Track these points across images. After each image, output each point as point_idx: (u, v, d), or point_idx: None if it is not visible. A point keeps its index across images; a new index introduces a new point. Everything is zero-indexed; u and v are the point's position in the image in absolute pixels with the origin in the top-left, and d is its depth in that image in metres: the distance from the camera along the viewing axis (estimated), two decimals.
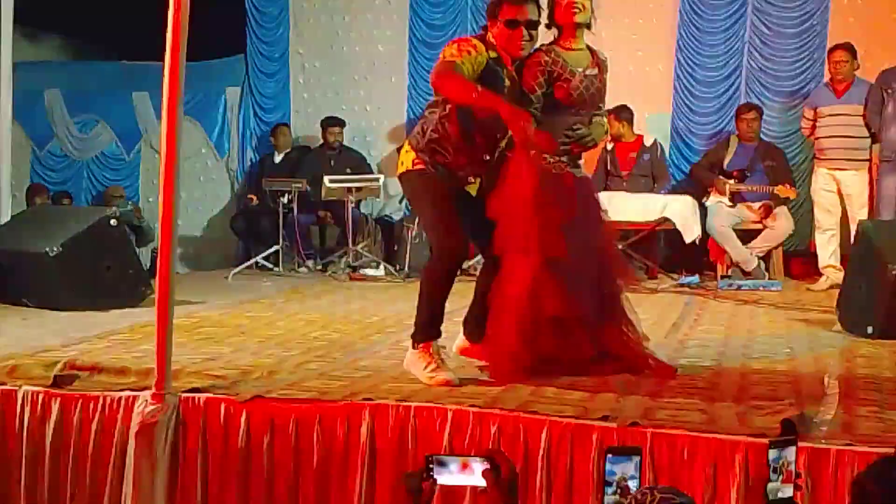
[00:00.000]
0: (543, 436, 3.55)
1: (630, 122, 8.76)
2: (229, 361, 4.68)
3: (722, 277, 8.15)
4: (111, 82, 10.40)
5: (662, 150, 8.93)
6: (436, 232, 4.32)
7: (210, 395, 3.98)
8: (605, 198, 8.06)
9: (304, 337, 5.31)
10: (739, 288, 7.76)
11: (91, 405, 4.02)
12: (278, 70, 10.25)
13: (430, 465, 2.43)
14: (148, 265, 8.05)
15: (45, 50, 11.48)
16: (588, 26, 4.39)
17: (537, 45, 4.34)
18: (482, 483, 2.41)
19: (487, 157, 4.27)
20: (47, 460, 4.03)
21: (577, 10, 4.29)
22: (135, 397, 3.95)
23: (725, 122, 9.20)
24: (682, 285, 7.90)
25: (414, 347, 4.27)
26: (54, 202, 9.65)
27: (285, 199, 8.75)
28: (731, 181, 8.35)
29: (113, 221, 6.67)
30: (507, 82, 4.22)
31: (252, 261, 8.75)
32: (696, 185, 8.76)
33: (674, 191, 8.93)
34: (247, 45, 10.32)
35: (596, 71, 4.41)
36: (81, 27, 11.19)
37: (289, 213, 8.80)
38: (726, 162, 8.50)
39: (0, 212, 7.50)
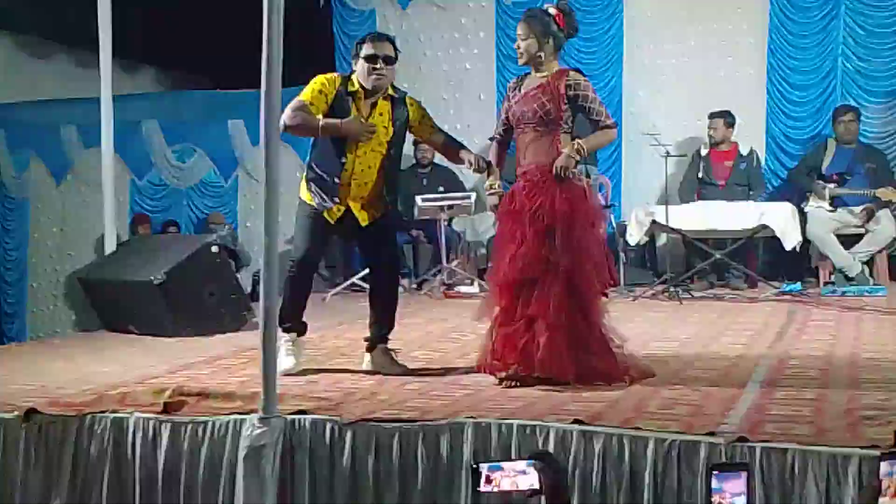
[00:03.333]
0: (649, 453, 3.51)
1: (733, 127, 8.68)
2: (332, 383, 4.75)
3: (825, 284, 7.99)
4: (207, 111, 10.62)
5: (758, 159, 8.82)
6: (294, 245, 5.14)
7: (315, 416, 4.03)
8: (700, 206, 8.13)
9: (403, 357, 5.34)
10: (843, 294, 7.60)
11: (200, 430, 4.11)
12: None
13: (478, 475, 2.47)
14: (248, 289, 8.21)
15: (142, 81, 11.81)
16: (530, 62, 4.74)
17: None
18: (536, 485, 2.44)
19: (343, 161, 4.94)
20: (160, 485, 4.12)
21: (520, 53, 4.76)
22: (242, 421, 4.01)
23: (822, 125, 9.04)
24: (783, 293, 7.76)
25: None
26: (162, 231, 9.89)
27: None
28: (831, 185, 8.20)
29: (214, 248, 6.81)
30: (354, 112, 4.90)
31: (348, 282, 8.84)
32: (795, 191, 8.60)
33: (772, 197, 8.79)
34: (335, 69, 10.46)
35: (537, 92, 4.63)
36: (177, 58, 11.49)
37: None
38: (825, 166, 8.34)
39: (105, 241, 7.71)
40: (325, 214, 5.05)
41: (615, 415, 3.86)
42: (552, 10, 4.66)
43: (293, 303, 5.08)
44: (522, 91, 4.71)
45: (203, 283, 6.71)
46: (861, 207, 8.09)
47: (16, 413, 4.35)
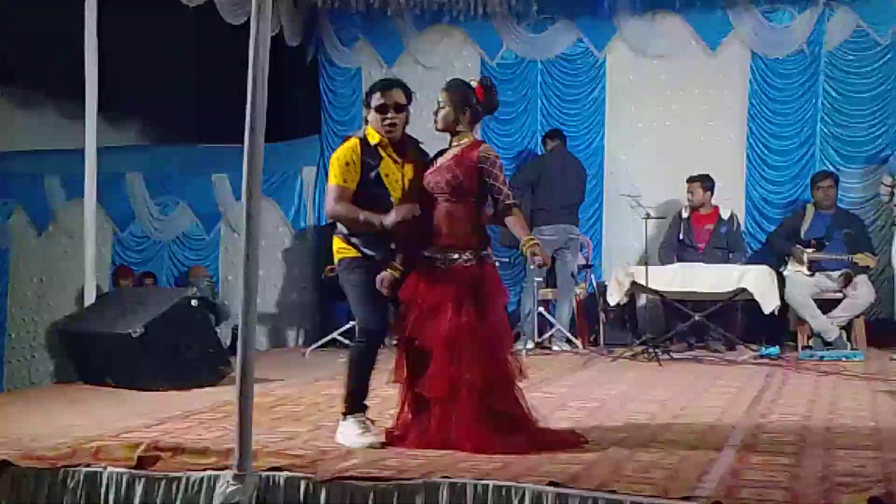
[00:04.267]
0: None
1: (712, 191, 8.78)
2: (307, 441, 4.72)
3: (803, 348, 8.03)
4: (191, 165, 10.64)
5: (739, 223, 8.91)
6: (358, 313, 4.76)
7: (290, 474, 4.00)
8: (680, 268, 8.18)
9: (380, 415, 5.33)
10: (821, 359, 7.64)
11: (174, 486, 4.07)
12: None
13: None
14: (228, 342, 8.17)
15: (127, 134, 11.82)
16: (447, 130, 4.73)
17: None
18: None
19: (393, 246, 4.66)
20: None
21: (436, 121, 4.73)
22: (216, 477, 3.99)
23: (801, 190, 9.14)
24: (762, 357, 7.80)
25: (344, 419, 4.68)
26: (138, 282, 9.87)
27: None
28: (809, 250, 8.26)
29: (193, 302, 6.81)
30: (387, 160, 4.69)
31: (329, 337, 8.83)
32: (774, 255, 8.67)
33: (751, 261, 8.85)
34: (322, 125, 10.56)
35: (451, 163, 4.65)
36: (162, 112, 11.54)
37: None
38: (803, 231, 8.42)
39: (84, 293, 7.69)
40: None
41: (591, 477, 3.85)
42: (473, 84, 4.76)
43: (363, 380, 4.70)
44: (438, 163, 4.71)
45: (181, 336, 6.69)
46: (839, 273, 8.16)
47: None
